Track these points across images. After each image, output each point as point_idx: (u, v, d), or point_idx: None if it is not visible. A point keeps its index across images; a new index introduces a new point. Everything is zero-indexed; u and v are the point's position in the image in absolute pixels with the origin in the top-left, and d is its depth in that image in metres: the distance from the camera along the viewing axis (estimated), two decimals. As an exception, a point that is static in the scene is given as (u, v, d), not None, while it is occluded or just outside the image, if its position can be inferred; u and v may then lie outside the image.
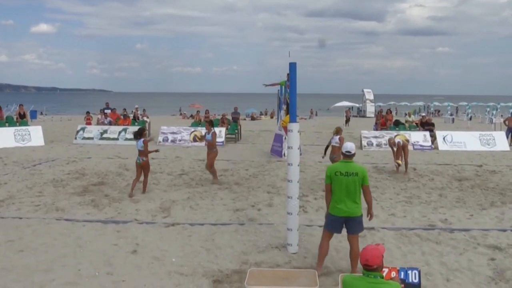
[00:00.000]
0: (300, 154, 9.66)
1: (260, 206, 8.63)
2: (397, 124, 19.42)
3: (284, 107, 14.54)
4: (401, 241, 6.65)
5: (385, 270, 4.16)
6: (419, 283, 4.39)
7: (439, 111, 49.87)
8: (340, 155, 7.97)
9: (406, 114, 24.60)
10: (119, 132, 18.78)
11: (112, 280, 5.26)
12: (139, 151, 9.53)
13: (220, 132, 18.00)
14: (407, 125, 19.62)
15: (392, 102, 54.44)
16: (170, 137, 18.56)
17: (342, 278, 3.73)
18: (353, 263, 5.28)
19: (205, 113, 22.79)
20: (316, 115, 44.57)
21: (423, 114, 24.54)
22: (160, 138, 18.44)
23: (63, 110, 60.14)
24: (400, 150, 12.19)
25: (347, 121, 31.42)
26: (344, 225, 5.34)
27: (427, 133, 18.00)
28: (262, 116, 42.29)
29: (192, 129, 18.78)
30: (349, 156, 5.34)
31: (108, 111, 22.47)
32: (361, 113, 45.93)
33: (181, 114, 44.33)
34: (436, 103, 54.06)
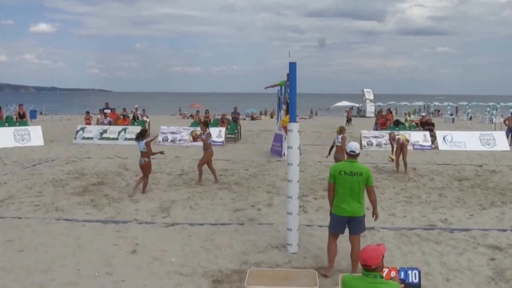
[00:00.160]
0: (300, 154, 9.65)
1: (260, 206, 8.63)
2: (397, 124, 19.42)
3: (284, 107, 14.54)
4: (401, 241, 6.64)
5: (385, 270, 4.15)
6: (419, 283, 4.39)
7: (439, 111, 49.83)
8: (344, 154, 7.95)
9: (406, 114, 24.61)
10: (119, 132, 18.79)
11: (112, 280, 5.26)
12: (141, 152, 9.55)
13: (220, 132, 18.00)
14: (407, 124, 19.61)
15: (392, 102, 54.35)
16: (170, 137, 18.58)
17: (342, 278, 3.73)
18: (354, 263, 5.28)
19: (205, 113, 22.78)
20: (316, 115, 44.57)
21: (423, 114, 24.51)
22: (160, 138, 18.44)
23: (63, 110, 60.07)
24: (399, 147, 12.17)
25: (349, 120, 31.40)
26: (346, 225, 5.34)
27: (427, 133, 17.99)
28: (262, 116, 42.27)
29: (192, 129, 18.80)
30: (353, 155, 5.34)
31: (107, 111, 22.45)
32: (361, 113, 45.87)
33: (180, 114, 44.31)
34: (436, 103, 53.96)
